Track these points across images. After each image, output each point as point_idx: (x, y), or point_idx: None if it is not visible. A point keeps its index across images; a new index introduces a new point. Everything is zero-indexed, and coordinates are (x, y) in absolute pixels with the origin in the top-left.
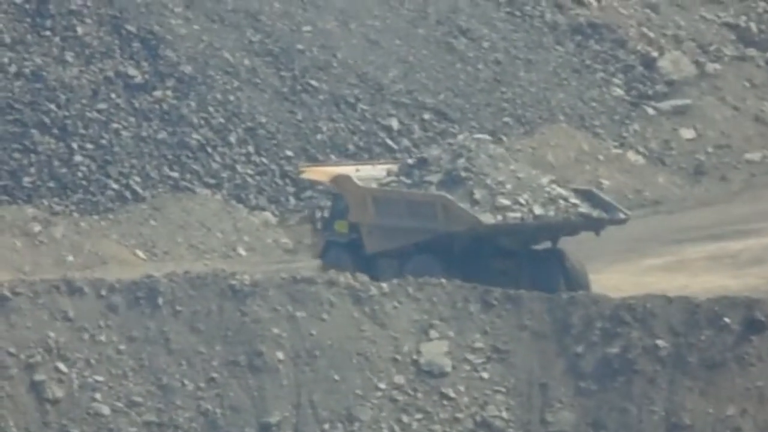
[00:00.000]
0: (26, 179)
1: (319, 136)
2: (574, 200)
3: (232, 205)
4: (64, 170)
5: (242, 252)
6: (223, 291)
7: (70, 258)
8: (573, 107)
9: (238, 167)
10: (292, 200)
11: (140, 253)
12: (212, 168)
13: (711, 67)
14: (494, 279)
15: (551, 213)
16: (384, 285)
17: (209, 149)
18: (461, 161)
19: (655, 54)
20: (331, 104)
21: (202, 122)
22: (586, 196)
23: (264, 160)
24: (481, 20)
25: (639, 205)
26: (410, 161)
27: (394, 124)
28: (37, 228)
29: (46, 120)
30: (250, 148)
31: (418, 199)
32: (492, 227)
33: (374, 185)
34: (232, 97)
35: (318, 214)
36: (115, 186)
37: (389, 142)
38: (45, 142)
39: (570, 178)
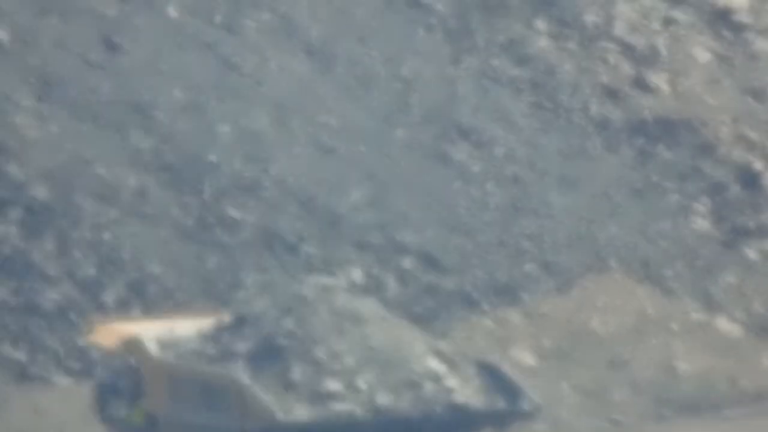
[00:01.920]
0: None
1: (241, 295)
2: (450, 383)
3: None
4: None
5: None
6: None
7: None
8: (632, 248)
9: None
10: None
11: None
12: (76, 345)
13: None
14: None
15: (404, 403)
16: None
17: (72, 316)
18: (287, 321)
19: (758, 166)
20: (261, 246)
21: (63, 275)
22: (488, 373)
23: None
24: (492, 114)
25: (735, 401)
26: (226, 318)
27: (357, 276)
28: None
29: None
30: (137, 313)
31: (210, 380)
32: (295, 426)
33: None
34: (107, 236)
35: (105, 396)
36: None
37: None
38: None
39: (626, 357)
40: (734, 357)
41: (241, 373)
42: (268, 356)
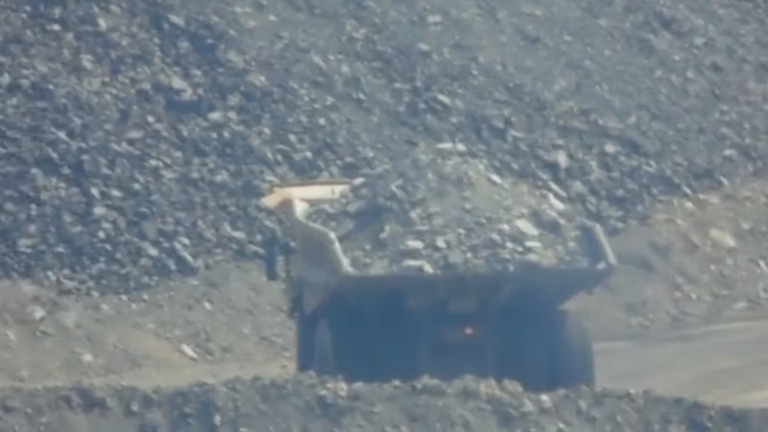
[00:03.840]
0: (24, 242)
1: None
2: (532, 243)
3: None
4: (78, 229)
5: None
6: (310, 406)
7: (87, 357)
8: None
9: None
10: None
11: (188, 350)
12: None
13: None
14: (438, 362)
15: (477, 262)
16: (545, 398)
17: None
18: (396, 183)
19: None
20: (468, 129)
21: (280, 157)
22: (583, 237)
23: None
24: (692, 6)
25: None
26: (357, 181)
27: (562, 159)
28: (39, 313)
29: (54, 155)
30: None
31: (314, 237)
32: (366, 279)
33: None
34: (323, 121)
35: (275, 251)
36: (152, 252)
37: (553, 185)
38: (51, 188)
39: None
40: None
41: (334, 231)
42: (370, 216)
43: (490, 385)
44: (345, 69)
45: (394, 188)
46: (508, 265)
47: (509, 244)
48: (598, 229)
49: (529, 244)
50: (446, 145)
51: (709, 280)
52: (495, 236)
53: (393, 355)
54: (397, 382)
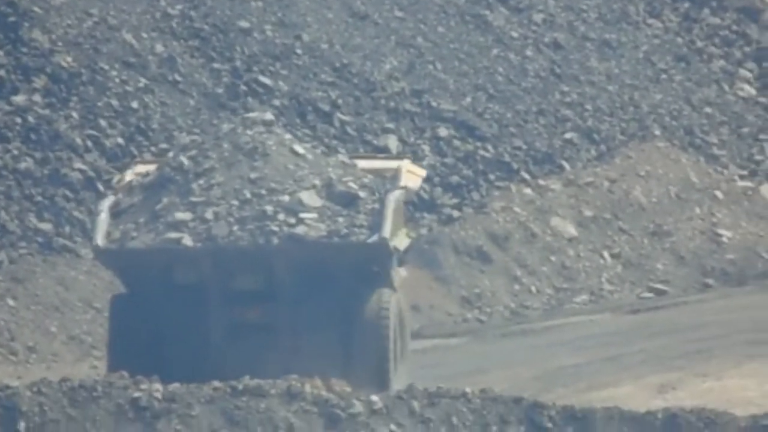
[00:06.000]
0: None
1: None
2: (306, 215)
3: None
4: None
5: None
6: (122, 409)
7: None
8: (675, 115)
9: None
10: None
11: None
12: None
13: None
14: (231, 344)
15: (241, 234)
16: (375, 398)
17: (100, 186)
18: (189, 154)
19: None
20: (293, 113)
21: (90, 143)
22: (375, 210)
23: None
24: None
25: None
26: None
27: (392, 144)
28: None
29: None
30: None
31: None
32: (112, 253)
33: None
34: (136, 104)
35: None
36: None
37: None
38: None
39: (669, 226)
40: None
41: (108, 201)
42: (157, 187)
43: (317, 385)
44: (159, 48)
45: (183, 159)
46: (273, 238)
47: (281, 216)
48: (389, 200)
49: (303, 216)
50: (252, 114)
51: (550, 272)
52: (269, 208)
53: (181, 338)
54: (216, 383)
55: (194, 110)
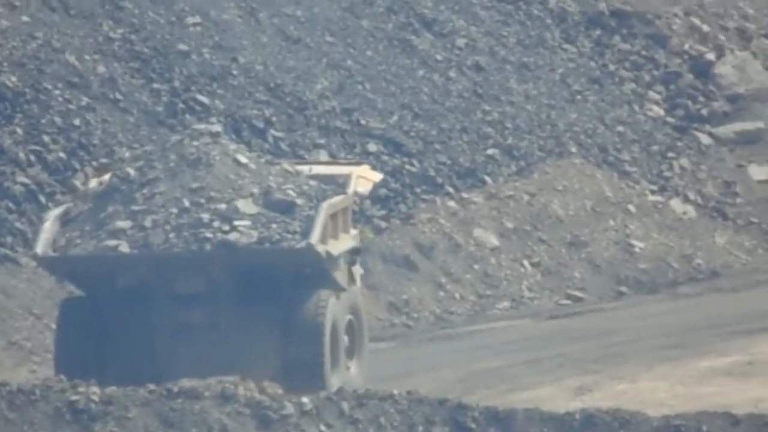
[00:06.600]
0: None
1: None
2: (240, 223)
3: None
4: None
5: None
6: (60, 412)
7: None
8: (590, 134)
9: None
10: None
11: None
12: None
13: None
14: (178, 346)
15: (176, 241)
16: (306, 400)
17: (42, 198)
18: (137, 165)
19: (710, 56)
20: (229, 129)
21: (33, 159)
22: (307, 218)
23: None
24: (453, 8)
25: (689, 279)
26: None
27: (323, 159)
28: None
29: None
30: None
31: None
32: (53, 260)
33: None
34: (78, 122)
35: None
36: None
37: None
38: None
39: (585, 237)
40: (688, 237)
41: (57, 210)
42: (105, 196)
43: (249, 387)
44: (101, 69)
45: (129, 169)
46: (206, 245)
47: (216, 224)
48: (322, 207)
49: (237, 223)
50: (200, 126)
51: (473, 280)
52: (205, 216)
53: (127, 340)
54: (152, 386)
55: (134, 127)
